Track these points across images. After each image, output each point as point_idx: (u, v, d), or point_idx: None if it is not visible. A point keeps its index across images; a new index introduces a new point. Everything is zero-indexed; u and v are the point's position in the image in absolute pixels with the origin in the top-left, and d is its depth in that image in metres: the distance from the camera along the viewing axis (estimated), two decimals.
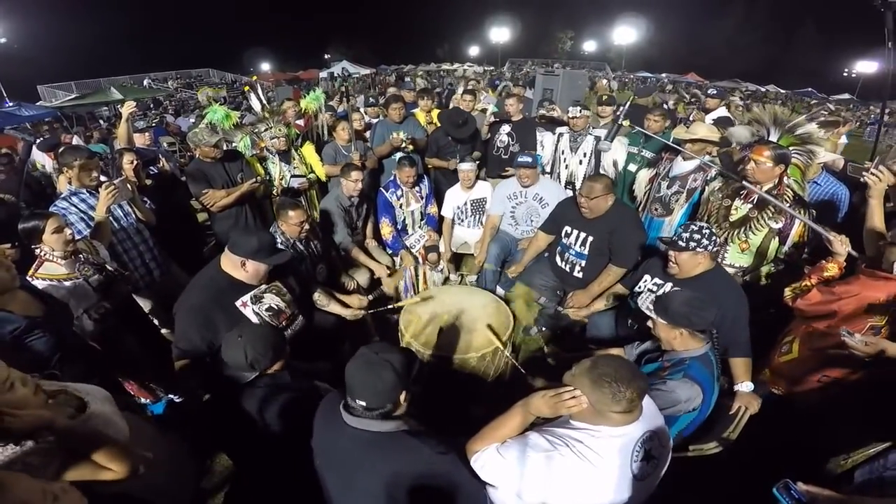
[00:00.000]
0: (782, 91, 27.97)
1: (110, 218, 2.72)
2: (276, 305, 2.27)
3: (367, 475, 1.33)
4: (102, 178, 2.80)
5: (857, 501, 1.34)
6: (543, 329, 3.42)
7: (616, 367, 1.35)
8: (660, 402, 1.75)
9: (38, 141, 4.77)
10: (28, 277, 2.10)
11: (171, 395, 2.77)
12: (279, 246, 2.51)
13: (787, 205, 2.54)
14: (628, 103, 3.90)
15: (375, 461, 1.34)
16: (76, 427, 1.26)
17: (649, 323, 1.96)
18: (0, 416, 1.12)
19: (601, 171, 4.04)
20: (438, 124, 4.67)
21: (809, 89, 27.42)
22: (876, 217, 2.23)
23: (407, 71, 28.03)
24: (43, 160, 5.11)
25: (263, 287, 2.22)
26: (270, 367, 1.78)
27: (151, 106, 15.86)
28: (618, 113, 3.79)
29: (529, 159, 3.45)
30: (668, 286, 2.36)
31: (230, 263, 2.17)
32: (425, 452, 1.33)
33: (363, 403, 1.35)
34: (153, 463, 1.49)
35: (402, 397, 1.40)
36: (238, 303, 2.16)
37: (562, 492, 1.32)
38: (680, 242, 2.17)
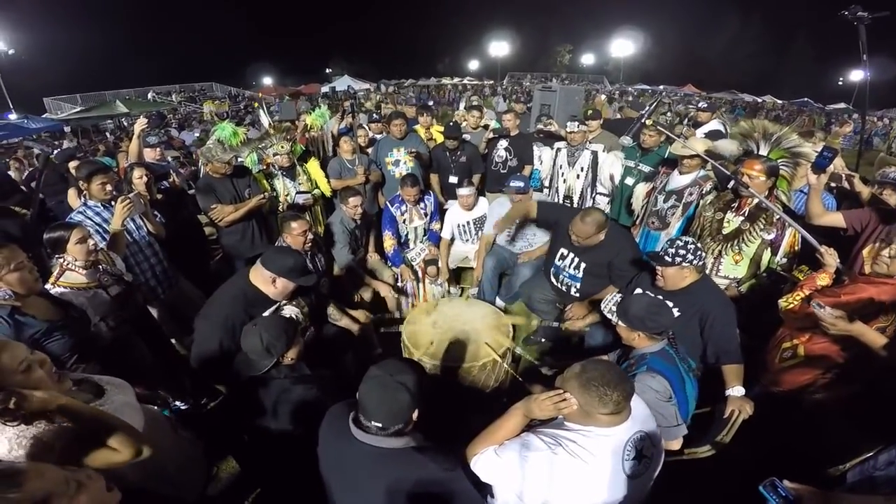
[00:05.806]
0: (779, 101, 28.14)
1: (124, 231, 2.81)
2: (295, 316, 2.34)
3: (374, 488, 1.37)
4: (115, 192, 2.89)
5: (840, 498, 1.38)
6: (543, 340, 3.48)
7: (603, 371, 1.41)
8: (647, 398, 1.80)
9: (54, 152, 4.85)
10: (49, 284, 2.17)
11: (177, 403, 2.84)
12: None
13: (777, 216, 2.63)
14: (656, 103, 3.99)
15: (382, 475, 1.37)
16: (84, 410, 1.32)
17: (613, 322, 2.07)
18: (9, 396, 1.16)
19: (598, 185, 4.14)
20: (438, 141, 4.78)
21: (805, 99, 27.29)
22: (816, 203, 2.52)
23: (408, 85, 28.34)
24: None
25: (284, 302, 2.29)
26: (286, 351, 1.83)
27: (156, 117, 15.99)
28: (643, 112, 3.89)
29: (521, 184, 3.40)
30: (659, 298, 2.44)
31: (260, 278, 2.24)
32: (431, 468, 1.37)
33: (378, 424, 1.37)
34: (162, 451, 1.58)
35: (415, 415, 1.43)
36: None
37: (558, 490, 1.38)
38: (665, 258, 2.25)
